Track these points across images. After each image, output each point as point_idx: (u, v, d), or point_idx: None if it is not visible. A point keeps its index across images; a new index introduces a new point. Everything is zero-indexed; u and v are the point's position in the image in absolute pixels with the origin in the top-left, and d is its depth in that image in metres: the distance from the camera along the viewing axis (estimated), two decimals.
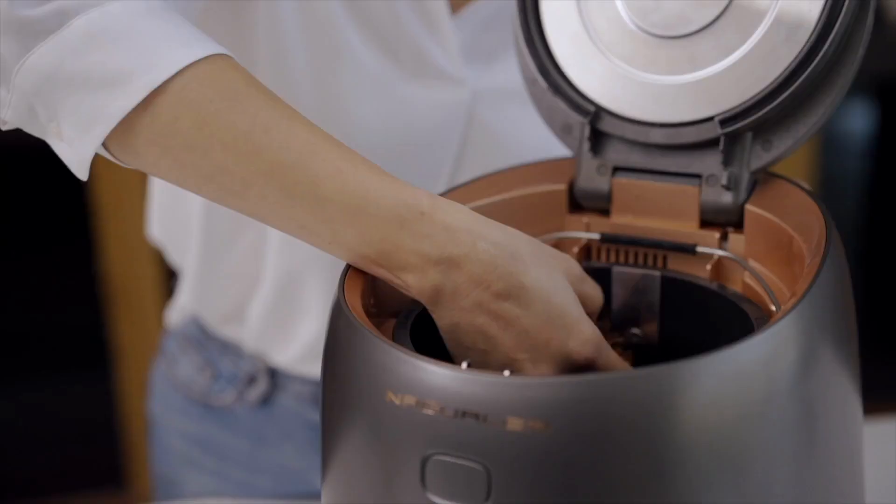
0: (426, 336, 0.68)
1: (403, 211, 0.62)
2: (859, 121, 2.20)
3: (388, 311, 0.71)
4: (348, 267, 0.67)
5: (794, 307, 0.59)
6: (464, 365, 0.60)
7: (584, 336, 0.64)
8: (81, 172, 0.67)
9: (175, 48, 0.63)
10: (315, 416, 1.05)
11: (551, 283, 0.63)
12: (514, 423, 0.56)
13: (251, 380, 1.06)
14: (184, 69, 0.63)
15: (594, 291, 0.70)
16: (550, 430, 0.55)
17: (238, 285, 1.02)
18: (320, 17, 0.89)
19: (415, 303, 0.72)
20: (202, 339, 1.07)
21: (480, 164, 0.92)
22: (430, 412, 0.57)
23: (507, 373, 0.58)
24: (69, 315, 2.41)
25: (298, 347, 1.02)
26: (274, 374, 1.05)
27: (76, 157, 0.66)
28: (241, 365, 1.06)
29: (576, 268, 0.68)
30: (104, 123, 0.63)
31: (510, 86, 0.92)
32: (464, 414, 0.57)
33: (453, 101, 0.94)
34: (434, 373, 0.58)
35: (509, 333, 0.63)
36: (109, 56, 0.63)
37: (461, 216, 0.63)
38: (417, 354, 0.58)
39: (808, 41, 0.69)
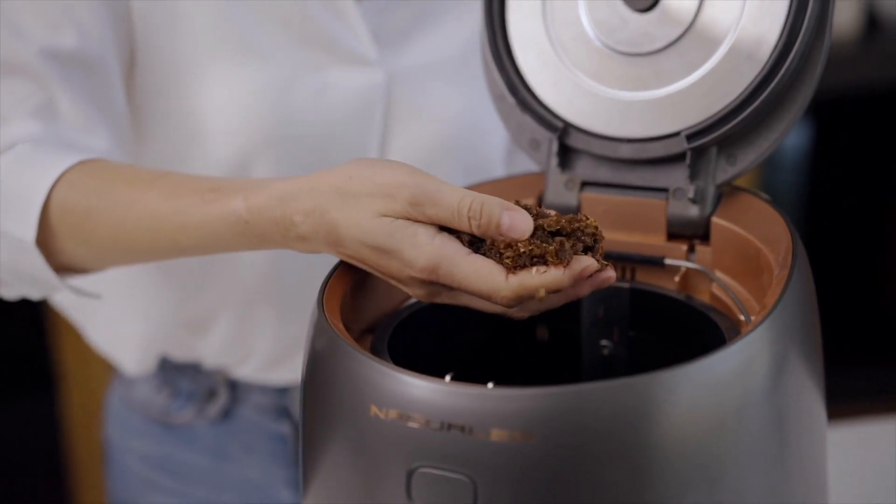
0: (404, 350, 0.68)
1: (240, 229, 0.72)
2: (796, 137, 2.25)
3: (362, 327, 0.71)
4: (325, 285, 0.67)
5: (766, 317, 0.61)
6: (447, 378, 0.60)
7: (419, 263, 0.64)
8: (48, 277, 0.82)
9: (47, 169, 0.79)
10: (277, 427, 1.05)
11: (364, 226, 0.65)
12: (499, 435, 0.57)
13: (211, 394, 1.05)
14: (55, 183, 0.79)
15: (444, 199, 0.65)
16: (534, 440, 0.56)
17: (196, 314, 1.02)
18: (230, 16, 0.90)
19: (389, 317, 0.72)
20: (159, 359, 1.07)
21: (407, 143, 0.95)
22: (415, 425, 0.58)
23: (490, 385, 0.59)
24: (12, 337, 2.37)
25: (259, 359, 1.02)
26: (234, 387, 1.05)
27: (26, 261, 0.81)
28: (200, 381, 1.05)
29: (400, 197, 0.65)
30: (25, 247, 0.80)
31: (426, 63, 0.95)
32: (449, 426, 0.57)
33: (370, 84, 0.94)
34: (418, 386, 0.58)
35: (370, 267, 0.68)
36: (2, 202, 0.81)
37: (272, 206, 0.69)
38: (401, 368, 0.59)
39: (769, 59, 0.71)
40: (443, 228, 0.65)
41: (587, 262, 0.64)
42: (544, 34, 0.78)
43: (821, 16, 0.71)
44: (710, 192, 0.74)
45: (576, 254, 0.64)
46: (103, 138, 0.86)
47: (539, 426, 0.56)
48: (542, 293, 0.63)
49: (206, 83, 0.91)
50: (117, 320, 1.03)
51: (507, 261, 0.63)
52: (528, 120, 0.78)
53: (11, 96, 0.84)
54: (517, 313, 0.67)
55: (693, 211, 0.74)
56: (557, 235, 0.65)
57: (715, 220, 0.74)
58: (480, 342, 0.76)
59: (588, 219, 0.66)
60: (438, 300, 0.68)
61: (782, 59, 0.71)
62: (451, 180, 0.96)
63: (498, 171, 1.03)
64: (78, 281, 0.88)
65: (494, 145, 1.02)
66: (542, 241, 0.64)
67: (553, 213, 0.67)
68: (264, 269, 0.97)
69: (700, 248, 0.75)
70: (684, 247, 0.75)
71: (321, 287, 0.67)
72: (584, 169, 0.77)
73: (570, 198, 0.77)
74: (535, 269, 0.63)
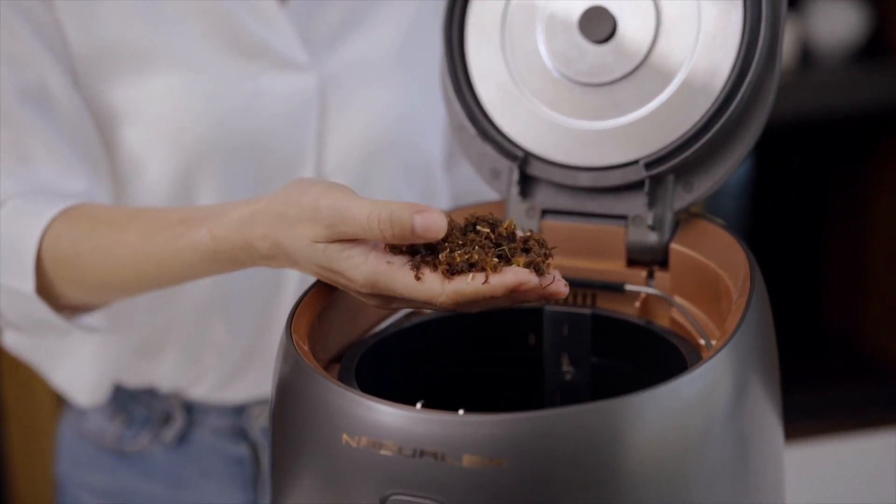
0: (368, 379, 0.69)
1: (212, 257, 0.75)
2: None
3: (328, 356, 0.72)
4: (293, 313, 0.67)
5: (728, 341, 0.62)
6: (418, 405, 0.61)
7: (359, 281, 0.66)
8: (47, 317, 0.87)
9: (33, 222, 0.85)
10: (234, 449, 1.05)
11: (306, 251, 0.68)
12: (471, 461, 0.57)
13: (167, 419, 1.05)
14: (42, 235, 0.84)
15: (354, 217, 0.65)
16: (505, 465, 0.57)
17: (148, 337, 1.02)
18: (157, 29, 0.92)
19: (354, 346, 0.73)
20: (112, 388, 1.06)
21: (343, 144, 0.97)
22: (387, 453, 0.58)
23: (461, 411, 0.60)
24: None
25: (214, 376, 1.02)
26: (190, 410, 1.05)
27: (30, 309, 0.87)
28: (154, 405, 1.05)
29: (321, 222, 0.66)
30: (29, 297, 0.85)
31: (358, 65, 0.97)
32: (421, 453, 0.58)
33: (302, 88, 0.96)
34: (390, 414, 0.59)
35: (329, 282, 0.69)
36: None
37: (233, 234, 0.73)
38: (372, 396, 0.60)
39: (723, 89, 0.73)
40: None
41: (523, 277, 0.63)
42: (503, 65, 0.79)
43: (771, 48, 0.73)
44: (668, 218, 0.76)
45: (526, 265, 0.64)
46: (81, 178, 0.90)
47: (510, 451, 0.57)
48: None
49: (138, 98, 0.93)
50: (71, 351, 1.03)
51: (442, 267, 0.64)
52: (488, 149, 0.79)
53: None
54: (465, 310, 0.67)
55: (652, 238, 0.75)
56: (501, 244, 0.65)
57: (673, 246, 0.75)
58: (442, 370, 0.77)
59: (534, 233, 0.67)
60: (392, 307, 0.70)
61: (736, 90, 0.73)
62: (392, 178, 0.99)
63: (438, 168, 1.05)
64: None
65: (432, 142, 1.04)
66: (484, 249, 0.64)
67: (505, 223, 0.67)
68: (211, 286, 0.98)
69: (659, 274, 0.76)
70: (644, 273, 0.76)
71: (289, 315, 0.67)
72: (545, 197, 0.79)
73: (531, 225, 0.78)
74: (471, 275, 0.63)
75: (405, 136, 1.00)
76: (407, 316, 0.77)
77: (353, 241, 0.66)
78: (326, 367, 0.70)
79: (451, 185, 1.10)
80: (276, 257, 0.71)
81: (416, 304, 0.67)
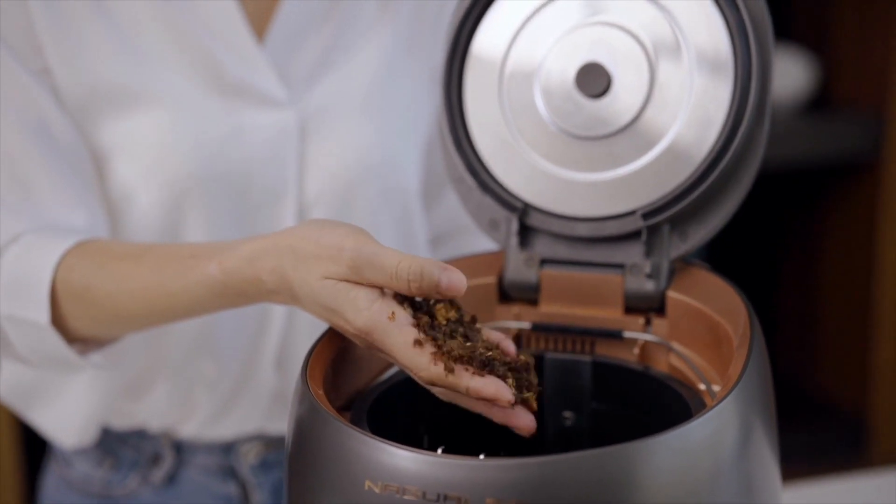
0: (379, 424, 0.70)
1: (219, 290, 0.78)
2: None
3: (338, 403, 0.73)
4: (308, 360, 0.68)
5: (735, 386, 0.64)
6: (439, 450, 0.62)
7: (357, 325, 0.68)
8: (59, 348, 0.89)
9: (48, 255, 0.87)
10: (223, 488, 1.05)
11: (312, 286, 0.70)
12: None
13: (155, 459, 1.05)
14: (56, 267, 0.87)
15: (382, 263, 0.68)
16: None
17: (136, 377, 1.03)
18: (139, 69, 0.96)
19: (364, 392, 0.74)
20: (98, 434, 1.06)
21: (323, 177, 1.00)
22: (411, 498, 0.59)
23: (482, 456, 0.61)
24: None
25: (203, 413, 1.03)
26: (179, 449, 1.05)
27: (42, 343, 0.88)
28: (143, 447, 1.05)
29: (342, 261, 0.68)
30: (43, 329, 0.87)
31: (335, 100, 1.01)
32: (445, 498, 0.59)
33: (282, 124, 1.00)
34: (413, 459, 0.60)
35: (325, 321, 0.72)
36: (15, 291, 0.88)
37: (242, 266, 0.75)
38: (395, 443, 0.61)
39: (716, 142, 0.76)
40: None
41: (502, 393, 0.66)
42: (501, 118, 0.81)
43: (760, 103, 0.76)
44: (665, 267, 0.78)
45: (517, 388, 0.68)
46: (83, 213, 0.93)
47: (532, 494, 0.58)
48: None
49: (126, 135, 0.96)
50: (61, 393, 1.04)
51: (436, 346, 0.67)
52: (487, 201, 0.81)
53: (2, 185, 0.91)
54: (440, 393, 0.70)
55: (649, 286, 0.78)
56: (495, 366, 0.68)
57: (670, 293, 0.77)
58: (447, 416, 0.77)
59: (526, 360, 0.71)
60: (379, 356, 0.71)
61: (728, 143, 0.76)
62: (371, 207, 1.03)
63: (414, 197, 1.07)
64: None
65: (408, 172, 1.07)
66: (481, 354, 0.68)
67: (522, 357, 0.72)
68: (198, 323, 0.99)
69: (656, 321, 0.78)
70: (641, 320, 0.78)
71: (304, 362, 0.68)
72: (543, 247, 0.81)
73: (529, 275, 0.80)
74: (460, 366, 0.67)
75: (382, 167, 1.04)
76: None
77: (362, 284, 0.68)
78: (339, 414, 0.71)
79: (430, 223, 1.13)
80: (280, 292, 0.73)
81: (399, 364, 0.69)
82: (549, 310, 0.80)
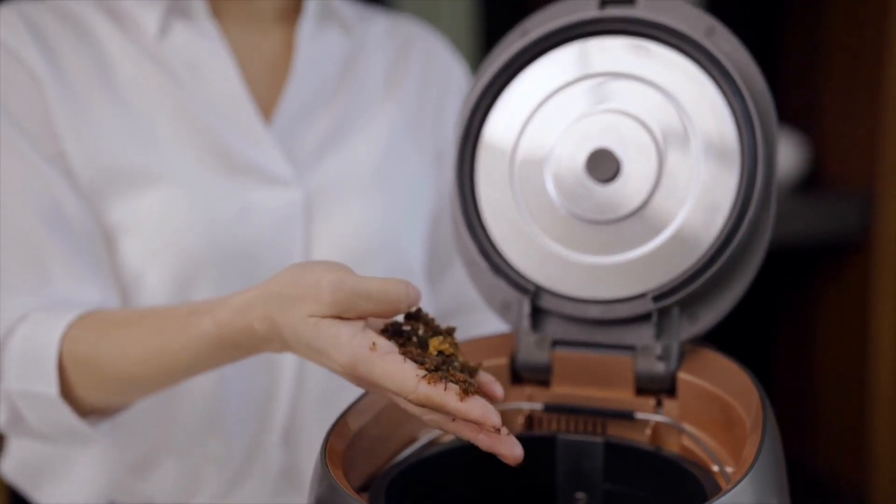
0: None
1: (215, 344, 0.80)
2: None
3: (355, 486, 0.73)
4: (326, 440, 0.69)
5: (750, 468, 0.65)
6: None
7: (340, 362, 0.69)
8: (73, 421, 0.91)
9: (53, 329, 0.89)
10: None
11: (298, 329, 0.72)
12: None
13: None
14: (62, 340, 0.89)
15: (366, 290, 0.70)
16: None
17: (143, 454, 1.03)
18: (153, 151, 0.99)
19: (380, 475, 0.74)
20: None
21: (329, 252, 1.03)
22: None
23: None
24: None
25: (212, 488, 1.04)
26: None
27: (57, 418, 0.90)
28: None
29: (324, 298, 0.70)
30: (53, 402, 0.89)
31: (340, 179, 1.04)
32: None
33: (289, 202, 1.03)
34: None
35: (319, 364, 0.73)
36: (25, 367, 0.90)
37: (234, 318, 0.77)
38: None
39: (724, 227, 0.78)
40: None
41: (490, 417, 0.66)
42: (513, 203, 0.83)
43: (767, 187, 0.78)
44: (675, 349, 0.79)
45: None
46: (95, 290, 0.96)
47: None
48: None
49: (137, 214, 0.99)
50: (66, 472, 1.04)
51: (424, 369, 0.67)
52: (499, 283, 0.82)
53: (17, 266, 0.94)
54: (430, 419, 0.70)
55: (660, 367, 0.79)
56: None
57: (680, 375, 0.79)
58: (462, 497, 0.78)
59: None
60: (372, 392, 0.73)
61: (736, 228, 0.77)
62: None
63: (418, 269, 1.10)
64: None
65: (412, 246, 1.09)
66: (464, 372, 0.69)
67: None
68: (205, 400, 1.01)
69: (667, 402, 0.79)
70: (652, 401, 0.79)
71: (323, 442, 0.69)
72: (555, 329, 0.82)
73: (541, 356, 0.81)
74: (447, 386, 0.67)
75: (386, 242, 1.06)
76: (427, 445, 0.78)
77: (345, 319, 0.70)
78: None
79: (434, 301, 1.14)
80: (272, 339, 0.75)
81: (388, 392, 0.69)
82: (561, 391, 0.81)
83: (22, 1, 1.03)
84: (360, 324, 0.70)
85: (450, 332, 0.73)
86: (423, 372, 0.67)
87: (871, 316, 2.04)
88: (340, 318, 0.70)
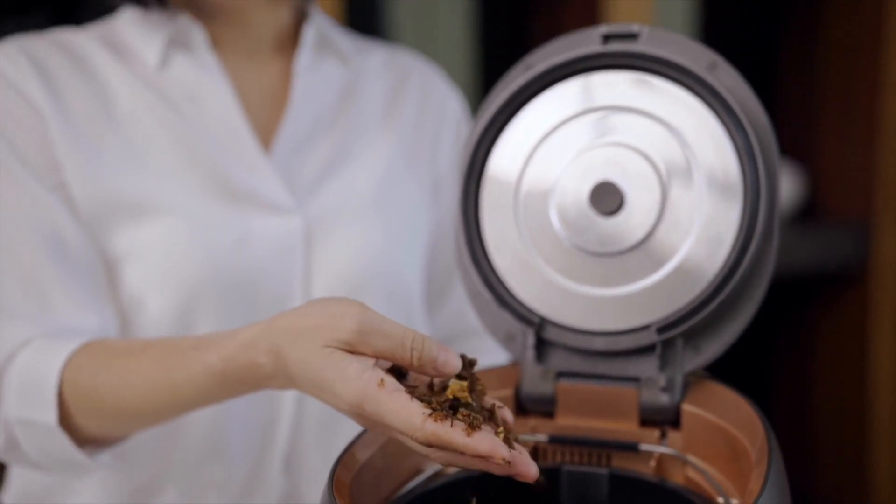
0: None
1: (219, 379, 0.79)
2: None
3: None
4: (333, 472, 0.69)
5: (757, 501, 0.65)
6: None
7: (346, 398, 0.69)
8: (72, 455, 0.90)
9: (55, 357, 0.89)
10: None
11: (308, 360, 0.71)
12: None
13: None
14: (63, 368, 0.89)
15: (387, 330, 0.70)
16: None
17: (145, 483, 1.04)
18: (155, 182, 1.00)
19: None
20: None
21: (329, 278, 1.04)
22: None
23: None
24: None
25: None
26: None
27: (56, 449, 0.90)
28: None
29: (346, 327, 0.70)
30: (51, 430, 0.89)
31: (339, 207, 1.06)
32: None
33: (289, 229, 1.04)
34: None
35: (323, 402, 0.72)
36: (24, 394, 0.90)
37: (240, 352, 0.76)
38: None
39: (727, 259, 0.78)
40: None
41: (498, 450, 0.66)
42: (517, 235, 0.83)
43: (769, 220, 0.79)
44: (679, 380, 0.79)
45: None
46: (94, 316, 0.96)
47: None
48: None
49: (138, 243, 1.00)
50: (68, 501, 1.05)
51: (430, 407, 0.67)
52: (504, 315, 0.83)
53: (17, 292, 0.94)
54: (438, 457, 0.70)
55: (664, 399, 0.79)
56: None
57: (685, 406, 0.79)
58: None
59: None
60: (376, 430, 0.72)
61: (740, 259, 0.78)
62: (375, 306, 1.05)
63: (416, 297, 1.11)
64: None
65: (410, 273, 1.10)
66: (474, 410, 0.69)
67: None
68: (206, 428, 1.02)
69: (672, 434, 0.79)
70: (657, 432, 0.80)
71: (331, 473, 0.69)
72: (559, 360, 0.82)
73: (546, 388, 0.82)
74: (453, 423, 0.67)
75: (385, 269, 1.07)
76: (432, 476, 0.79)
77: (357, 354, 0.70)
78: None
79: (432, 328, 1.15)
80: (276, 375, 0.75)
81: (394, 431, 0.69)
82: (566, 422, 0.81)
83: (24, 36, 1.04)
84: (371, 361, 0.70)
85: (473, 382, 0.73)
86: (429, 410, 0.67)
87: (870, 346, 2.05)
88: (353, 352, 0.70)
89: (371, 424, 0.70)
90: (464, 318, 1.18)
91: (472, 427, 0.66)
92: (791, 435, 2.29)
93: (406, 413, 0.67)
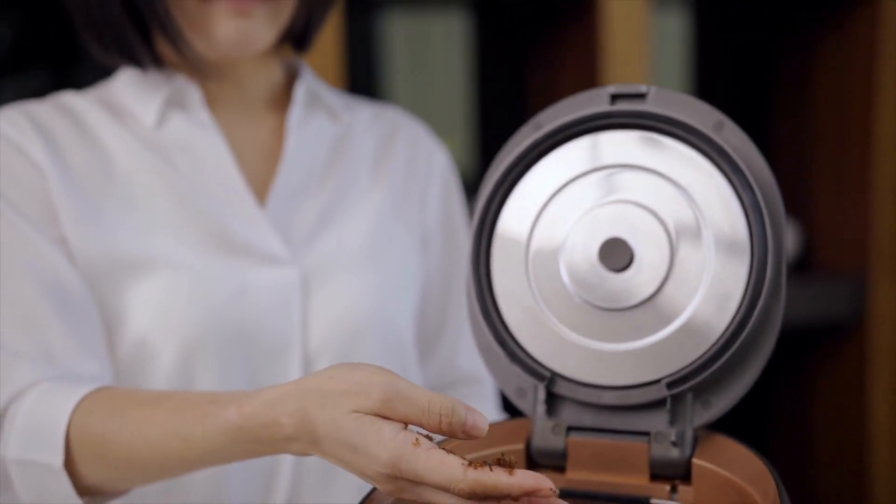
0: None
1: (235, 436, 0.78)
2: None
3: None
4: None
5: None
6: None
7: (382, 458, 0.69)
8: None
9: (66, 399, 0.89)
10: None
11: (338, 423, 0.71)
12: None
13: None
14: (74, 410, 0.89)
15: (414, 397, 0.70)
16: None
17: None
18: (155, 237, 1.02)
19: None
20: None
21: (326, 328, 1.05)
22: None
23: None
24: None
25: None
26: None
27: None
28: None
29: (373, 395, 0.70)
30: (54, 473, 0.89)
31: (334, 258, 1.08)
32: None
33: (285, 280, 1.06)
34: None
35: (345, 466, 0.72)
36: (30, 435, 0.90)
37: (262, 410, 0.76)
38: None
39: (735, 314, 0.79)
40: None
41: (543, 482, 0.67)
42: (528, 290, 0.85)
43: (777, 276, 0.80)
44: (689, 435, 0.80)
45: None
46: (93, 362, 0.98)
47: None
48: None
49: (137, 296, 1.01)
50: None
51: (467, 459, 0.68)
52: (514, 370, 0.84)
53: (19, 336, 0.95)
54: (476, 501, 0.69)
55: (674, 453, 0.80)
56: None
57: (695, 461, 0.80)
58: None
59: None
60: (405, 496, 0.71)
61: (748, 316, 0.79)
62: (371, 355, 1.08)
63: (410, 350, 1.12)
64: None
65: (404, 320, 1.12)
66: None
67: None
68: (208, 481, 1.02)
69: (682, 488, 0.80)
70: (667, 487, 0.80)
71: None
72: (570, 414, 0.83)
73: (556, 442, 0.82)
74: (494, 468, 0.67)
75: (381, 318, 1.09)
76: None
77: (387, 419, 0.70)
78: None
79: (424, 375, 1.17)
80: (298, 438, 0.74)
81: (432, 493, 0.69)
82: (576, 476, 0.82)
83: (24, 101, 1.08)
84: (401, 424, 0.70)
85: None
86: (466, 461, 0.67)
87: (867, 398, 2.06)
88: (383, 417, 0.70)
89: (401, 488, 0.70)
90: (454, 368, 1.20)
91: (511, 466, 0.67)
92: (790, 487, 2.29)
93: (446, 467, 0.67)
